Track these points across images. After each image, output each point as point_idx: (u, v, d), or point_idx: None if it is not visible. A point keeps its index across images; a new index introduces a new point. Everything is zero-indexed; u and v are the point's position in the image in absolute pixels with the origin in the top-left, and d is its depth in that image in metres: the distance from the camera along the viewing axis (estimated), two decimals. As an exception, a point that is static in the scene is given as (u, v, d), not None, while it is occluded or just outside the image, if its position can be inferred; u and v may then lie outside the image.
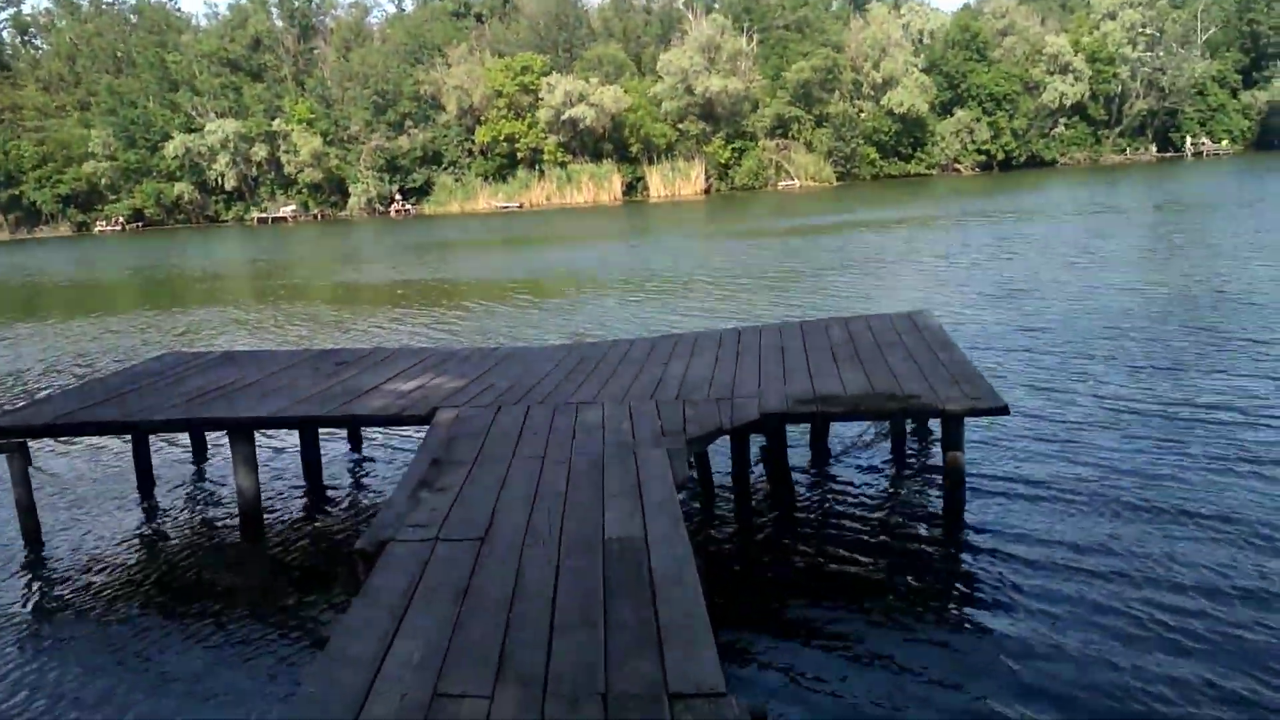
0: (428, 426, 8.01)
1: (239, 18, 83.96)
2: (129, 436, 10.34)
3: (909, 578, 6.90)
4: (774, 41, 79.00)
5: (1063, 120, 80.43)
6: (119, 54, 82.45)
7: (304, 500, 9.43)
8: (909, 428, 9.87)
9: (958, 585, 6.79)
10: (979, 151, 77.69)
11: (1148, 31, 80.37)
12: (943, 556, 7.33)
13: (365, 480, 9.98)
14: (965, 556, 7.18)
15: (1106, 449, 9.13)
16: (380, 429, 11.02)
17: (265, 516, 8.75)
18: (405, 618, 4.39)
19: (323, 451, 10.28)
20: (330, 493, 9.59)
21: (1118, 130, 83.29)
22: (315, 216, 76.23)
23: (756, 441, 8.71)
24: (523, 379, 9.26)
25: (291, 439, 10.80)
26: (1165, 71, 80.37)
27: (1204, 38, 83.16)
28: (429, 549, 5.16)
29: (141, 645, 6.56)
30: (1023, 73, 79.82)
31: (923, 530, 7.84)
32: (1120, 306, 16.37)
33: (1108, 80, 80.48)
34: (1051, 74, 79.16)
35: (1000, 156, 78.32)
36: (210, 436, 11.03)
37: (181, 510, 9.41)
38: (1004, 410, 7.23)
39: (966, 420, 7.61)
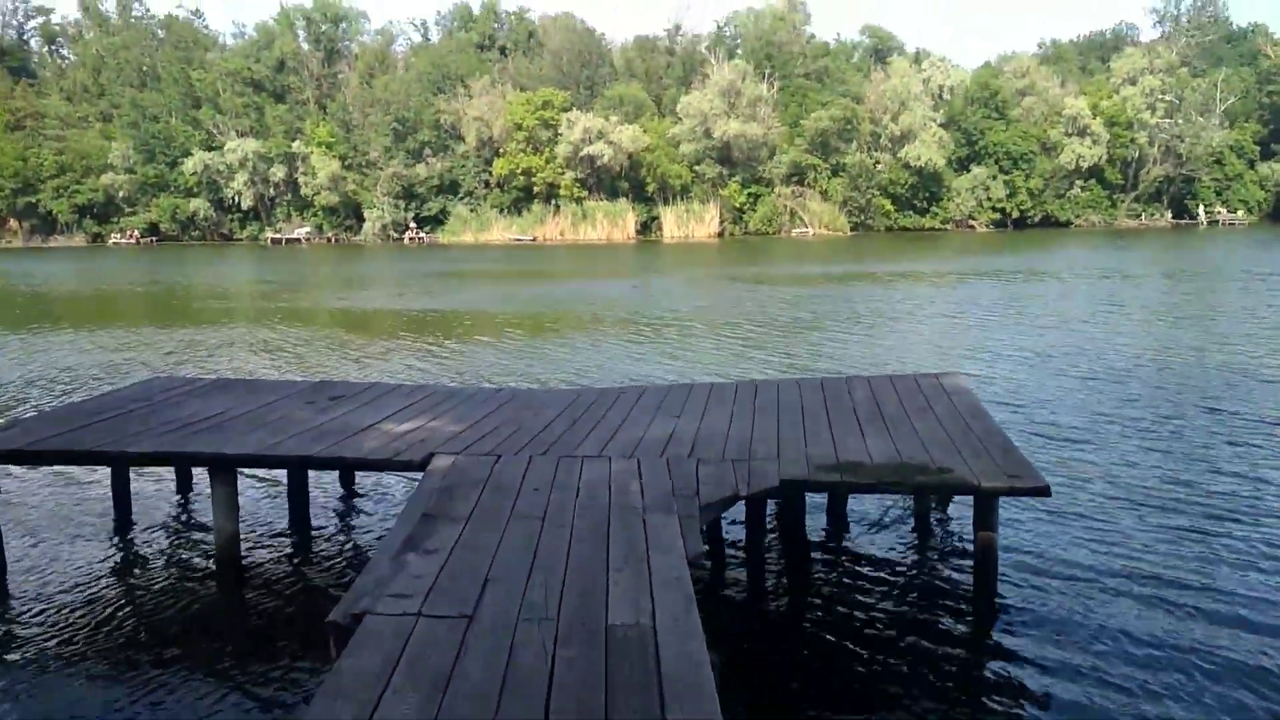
0: (422, 473, 7.49)
1: (265, 38, 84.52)
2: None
3: (935, 682, 6.23)
4: (794, 89, 79.23)
5: (1079, 182, 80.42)
6: (144, 68, 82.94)
7: (288, 547, 8.81)
8: (933, 500, 9.27)
9: (987, 694, 6.16)
10: (994, 209, 77.63)
11: (1167, 98, 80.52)
12: (972, 657, 6.65)
13: (355, 527, 9.36)
14: (994, 661, 6.54)
15: (1127, 538, 8.41)
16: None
17: (244, 564, 8.16)
18: (375, 713, 3.83)
19: (313, 492, 9.73)
20: (317, 540, 8.96)
21: (1133, 195, 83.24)
22: (329, 240, 76.25)
23: (771, 502, 8.14)
24: (525, 425, 8.73)
25: (279, 476, 10.24)
26: (1183, 139, 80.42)
27: (1223, 107, 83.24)
28: (410, 625, 4.59)
29: (78, 710, 5.95)
30: (1041, 133, 79.94)
31: (950, 622, 7.15)
32: (1133, 378, 15.68)
33: (1125, 145, 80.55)
34: (1069, 136, 79.27)
35: (1015, 215, 78.25)
36: (196, 469, 10.48)
37: (157, 551, 8.81)
38: (1045, 491, 6.66)
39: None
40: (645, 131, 73.63)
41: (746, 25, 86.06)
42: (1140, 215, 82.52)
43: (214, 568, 8.13)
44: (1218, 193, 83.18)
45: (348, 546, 8.82)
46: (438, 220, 76.05)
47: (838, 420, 8.53)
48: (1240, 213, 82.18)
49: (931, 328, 22.68)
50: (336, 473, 10.40)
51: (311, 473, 9.68)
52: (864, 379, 10.50)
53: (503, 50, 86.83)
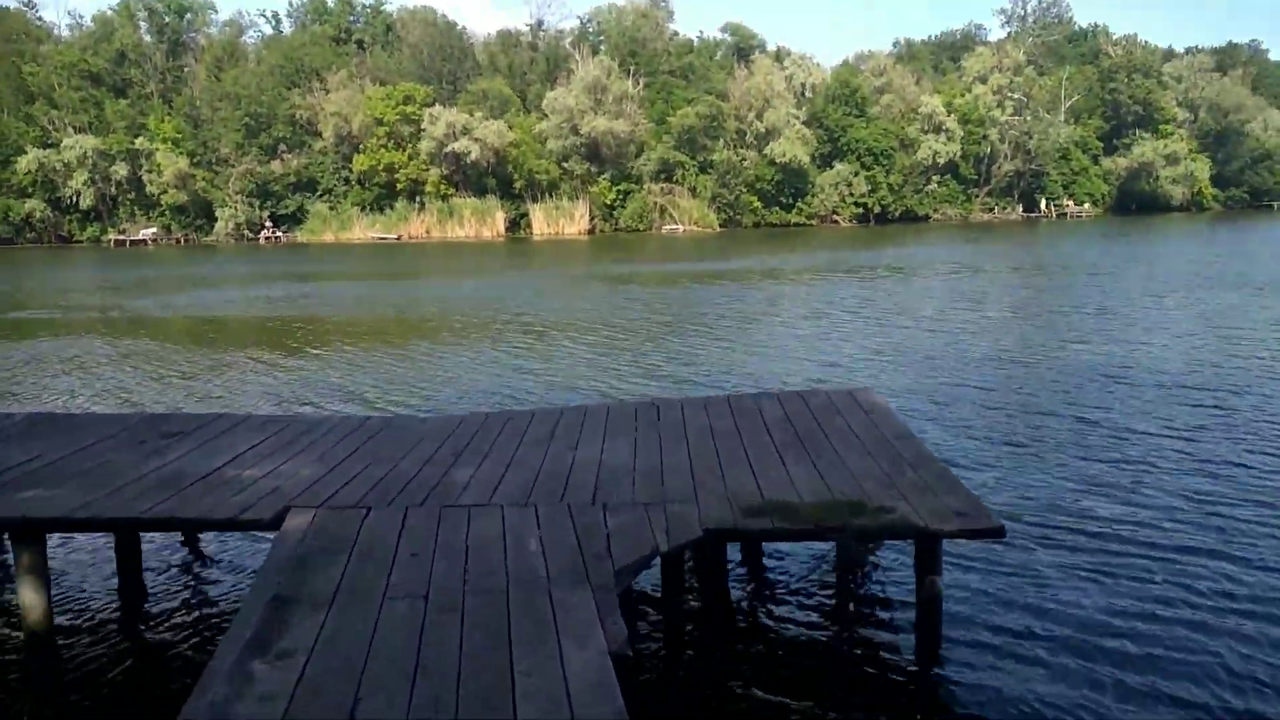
0: (274, 534, 6.26)
1: (104, 30, 79.01)
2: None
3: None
4: (659, 86, 78.94)
5: (935, 178, 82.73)
6: (-30, 62, 76.56)
7: (116, 631, 7.23)
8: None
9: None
10: (857, 204, 79.05)
11: (1015, 96, 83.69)
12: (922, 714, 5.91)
13: (203, 600, 7.78)
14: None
15: (1047, 571, 7.83)
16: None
17: (61, 654, 6.67)
18: None
19: (154, 549, 8.30)
20: (153, 620, 7.41)
21: (986, 190, 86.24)
22: (178, 240, 71.95)
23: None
24: (399, 465, 7.57)
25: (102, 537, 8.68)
26: (1031, 135, 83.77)
27: (1068, 104, 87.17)
28: (256, 785, 3.47)
29: None
30: (899, 130, 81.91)
31: (894, 679, 6.33)
32: (1002, 384, 15.26)
33: (978, 141, 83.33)
34: (926, 133, 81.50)
35: (877, 210, 79.89)
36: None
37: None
38: (1000, 532, 5.95)
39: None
40: (511, 128, 72.05)
41: (610, 22, 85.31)
42: (993, 209, 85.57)
43: (20, 658, 6.68)
44: (1064, 187, 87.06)
45: (191, 626, 7.35)
46: (295, 219, 72.72)
47: (754, 448, 7.68)
48: (1086, 205, 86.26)
49: (808, 331, 22.13)
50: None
51: (145, 536, 8.25)
52: (773, 396, 9.70)
53: (360, 44, 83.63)
